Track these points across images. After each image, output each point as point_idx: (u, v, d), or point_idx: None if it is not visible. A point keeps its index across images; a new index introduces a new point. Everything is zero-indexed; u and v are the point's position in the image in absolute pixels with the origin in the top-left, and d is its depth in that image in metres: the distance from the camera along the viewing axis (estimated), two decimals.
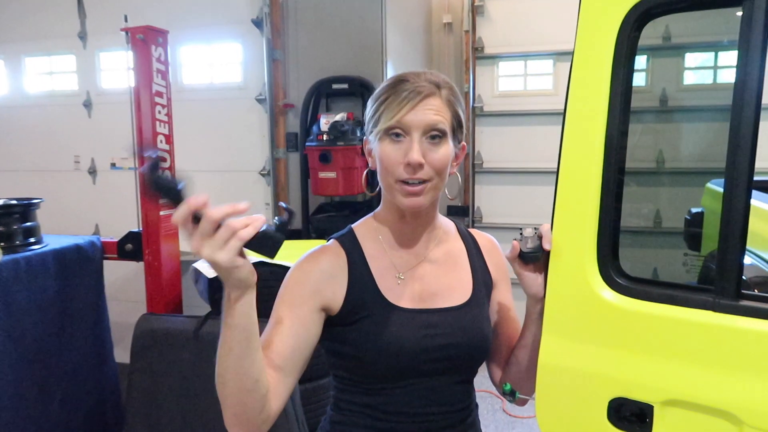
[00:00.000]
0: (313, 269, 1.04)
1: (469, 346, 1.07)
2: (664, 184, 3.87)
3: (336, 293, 1.03)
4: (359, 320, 1.02)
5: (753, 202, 2.27)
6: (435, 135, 1.01)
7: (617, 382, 0.94)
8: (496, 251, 1.20)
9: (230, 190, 3.96)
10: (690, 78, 4.18)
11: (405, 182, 1.00)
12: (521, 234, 1.03)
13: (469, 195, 4.52)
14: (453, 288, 1.10)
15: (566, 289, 0.99)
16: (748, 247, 2.18)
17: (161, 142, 2.98)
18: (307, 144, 3.53)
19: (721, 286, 0.87)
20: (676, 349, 0.90)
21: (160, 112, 2.98)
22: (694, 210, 2.86)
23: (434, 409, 1.05)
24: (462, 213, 4.49)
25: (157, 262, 2.96)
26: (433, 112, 1.00)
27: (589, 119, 0.97)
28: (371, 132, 1.05)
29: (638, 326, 0.93)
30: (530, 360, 1.08)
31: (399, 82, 1.02)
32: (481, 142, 4.53)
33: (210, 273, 2.68)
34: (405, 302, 1.05)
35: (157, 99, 2.97)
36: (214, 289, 2.66)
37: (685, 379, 0.89)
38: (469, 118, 4.46)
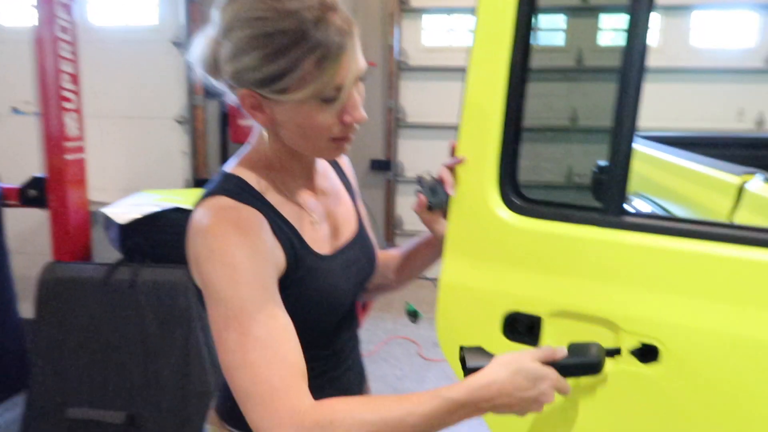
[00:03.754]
0: (258, 242, 0.85)
1: (372, 268, 1.09)
2: (576, 141, 4.05)
3: (280, 259, 0.90)
4: (297, 281, 0.91)
5: (653, 152, 2.40)
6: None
7: (511, 297, 1.00)
8: (347, 161, 1.17)
9: (144, 137, 3.80)
10: (604, 39, 4.34)
11: (339, 138, 0.90)
12: (421, 185, 1.04)
13: (392, 149, 4.55)
14: (347, 216, 1.08)
15: (467, 210, 1.02)
16: (645, 193, 2.32)
17: (66, 81, 2.80)
18: None
19: (607, 203, 0.94)
20: (563, 263, 0.96)
21: (64, 49, 2.78)
22: (601, 163, 3.02)
23: (348, 334, 1.07)
24: (384, 167, 4.53)
25: (64, 209, 2.81)
26: (358, 52, 0.85)
27: (494, 42, 0.99)
28: (270, 90, 0.83)
29: (531, 244, 0.98)
30: (414, 271, 1.19)
31: (313, 25, 0.80)
32: (405, 96, 4.55)
33: (121, 219, 2.58)
34: (326, 248, 1.00)
35: (61, 35, 2.76)
36: (126, 236, 2.57)
37: (569, 291, 0.95)
38: (393, 72, 4.45)
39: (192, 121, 3.73)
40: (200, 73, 0.91)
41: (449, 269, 1.05)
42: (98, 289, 2.52)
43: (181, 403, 2.43)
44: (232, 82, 0.86)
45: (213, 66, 0.88)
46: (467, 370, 0.86)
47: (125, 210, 2.65)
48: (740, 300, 0.86)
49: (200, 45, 0.89)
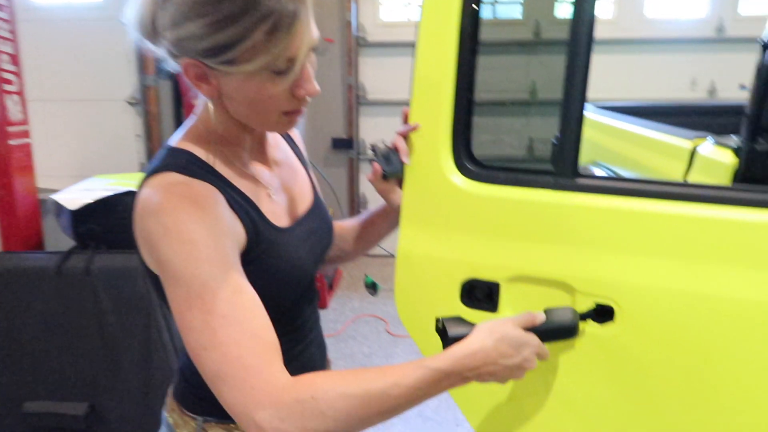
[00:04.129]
0: (215, 216, 0.80)
1: (330, 238, 1.07)
2: (536, 113, 4.07)
3: (240, 234, 0.85)
4: (258, 256, 0.87)
5: (610, 122, 2.41)
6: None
7: (468, 264, 0.99)
8: (296, 131, 1.13)
9: (94, 120, 3.66)
10: (562, 11, 4.36)
11: (290, 112, 0.86)
12: (375, 153, 1.01)
13: (353, 127, 4.50)
14: (303, 186, 1.05)
15: (422, 178, 1.01)
16: (603, 162, 2.35)
17: (5, 62, 2.66)
18: None
19: (560, 167, 0.93)
20: (519, 228, 0.95)
21: (1, 28, 2.64)
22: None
23: (310, 308, 1.04)
24: (346, 145, 4.48)
25: (10, 197, 2.70)
26: (312, 21, 0.80)
27: (443, 10, 0.97)
28: (217, 60, 0.78)
29: (487, 210, 0.97)
30: (371, 242, 1.17)
31: None
32: (365, 73, 4.50)
33: (72, 205, 2.49)
34: (284, 220, 0.96)
35: None
36: (78, 222, 2.48)
37: (526, 255, 0.95)
38: (352, 48, 4.39)
39: (144, 103, 3.61)
40: (136, 37, 0.85)
41: (406, 238, 1.03)
42: (51, 278, 2.43)
43: (143, 391, 2.38)
44: (174, 50, 0.80)
45: (151, 30, 0.82)
46: (449, 340, 0.84)
47: (76, 195, 2.55)
48: (689, 256, 0.87)
49: (137, 5, 0.82)
